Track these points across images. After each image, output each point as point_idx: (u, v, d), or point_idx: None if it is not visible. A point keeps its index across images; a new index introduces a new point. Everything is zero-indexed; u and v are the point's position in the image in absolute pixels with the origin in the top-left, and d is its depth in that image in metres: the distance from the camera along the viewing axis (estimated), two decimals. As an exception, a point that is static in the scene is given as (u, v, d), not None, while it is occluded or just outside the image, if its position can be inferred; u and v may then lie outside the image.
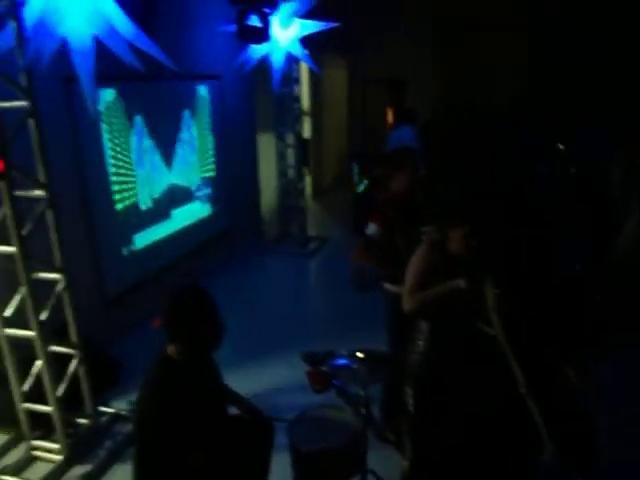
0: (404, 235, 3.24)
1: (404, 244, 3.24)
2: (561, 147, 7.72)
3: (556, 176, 7.22)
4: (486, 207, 2.67)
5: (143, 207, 5.23)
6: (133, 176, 5.03)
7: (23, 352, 3.25)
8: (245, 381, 3.38)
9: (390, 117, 12.75)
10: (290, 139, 7.23)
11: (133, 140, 5.01)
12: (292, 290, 6.28)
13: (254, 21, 5.48)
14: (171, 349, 2.16)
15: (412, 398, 2.57)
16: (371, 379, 2.45)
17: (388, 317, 3.36)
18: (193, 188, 6.10)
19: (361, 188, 5.39)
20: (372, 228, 3.33)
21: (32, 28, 2.82)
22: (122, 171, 4.88)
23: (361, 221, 3.64)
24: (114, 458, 3.38)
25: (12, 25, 2.75)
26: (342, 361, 2.55)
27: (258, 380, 4.05)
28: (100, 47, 3.01)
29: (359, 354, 2.51)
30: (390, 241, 3.29)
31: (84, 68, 2.97)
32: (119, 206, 4.88)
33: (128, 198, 4.99)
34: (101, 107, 4.54)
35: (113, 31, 2.98)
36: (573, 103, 9.58)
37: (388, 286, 3.41)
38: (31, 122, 2.89)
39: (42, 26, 2.85)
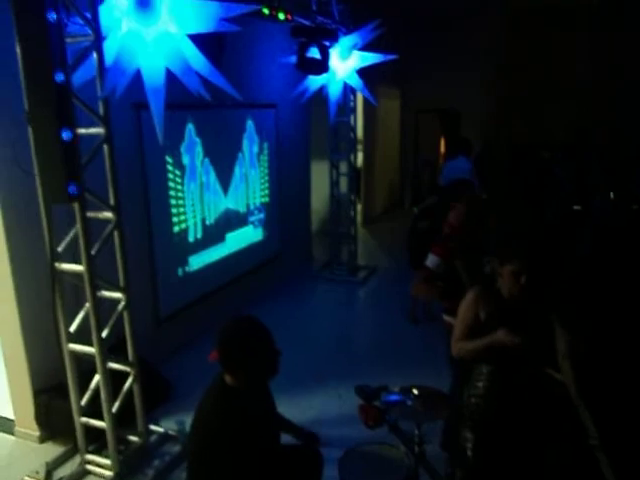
0: (465, 267, 3.21)
1: (466, 276, 3.21)
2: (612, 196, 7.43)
3: (612, 212, 6.96)
4: (537, 243, 2.62)
5: (200, 229, 5.37)
6: (191, 199, 5.20)
7: (82, 367, 3.37)
8: (294, 410, 3.37)
9: (443, 147, 12.72)
10: (344, 167, 7.30)
11: (193, 165, 5.19)
12: (343, 318, 6.25)
13: (314, 53, 5.64)
14: (228, 377, 2.17)
15: (471, 443, 2.48)
16: (426, 417, 2.39)
17: (448, 350, 3.30)
18: (247, 213, 6.23)
19: (418, 209, 5.35)
20: (433, 260, 3.33)
21: (111, 61, 2.99)
22: (181, 194, 5.05)
23: (418, 253, 3.61)
24: (162, 478, 3.42)
25: (94, 57, 2.93)
26: (396, 397, 2.51)
27: (307, 410, 4.02)
28: (168, 76, 3.18)
29: (414, 390, 2.46)
30: (451, 273, 3.27)
31: (155, 97, 3.13)
32: (177, 228, 5.04)
33: (186, 220, 5.15)
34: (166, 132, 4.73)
35: (185, 64, 3.13)
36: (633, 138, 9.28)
37: (448, 318, 3.35)
38: (105, 148, 3.05)
39: (120, 59, 3.03)
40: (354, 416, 2.62)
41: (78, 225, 2.93)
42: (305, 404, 4.12)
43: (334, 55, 5.93)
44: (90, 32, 2.86)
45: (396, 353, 5.05)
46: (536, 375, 2.32)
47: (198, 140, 5.22)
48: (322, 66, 5.71)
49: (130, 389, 3.47)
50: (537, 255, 2.48)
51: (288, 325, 5.46)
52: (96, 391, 3.30)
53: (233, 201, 5.91)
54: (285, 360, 2.23)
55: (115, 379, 3.38)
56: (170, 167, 4.87)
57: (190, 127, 5.09)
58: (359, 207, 9.26)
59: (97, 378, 3.26)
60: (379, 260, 8.06)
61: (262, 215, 6.53)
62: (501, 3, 10.64)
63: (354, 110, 7.20)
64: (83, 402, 3.36)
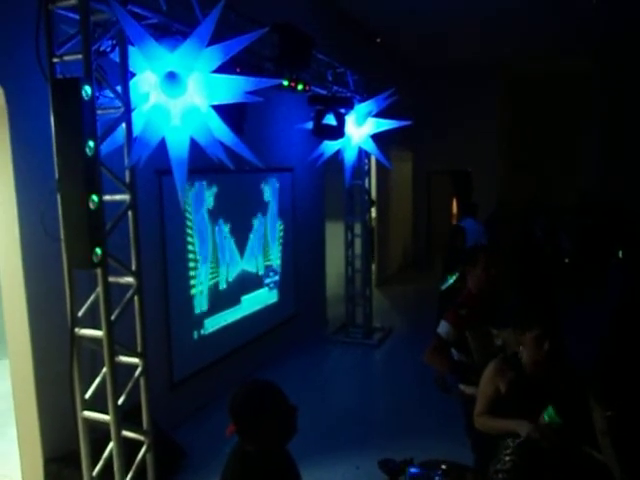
0: (475, 337, 3.14)
1: (476, 346, 3.14)
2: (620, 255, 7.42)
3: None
4: (555, 309, 2.58)
5: (216, 292, 5.37)
6: (209, 262, 5.23)
7: (94, 434, 3.28)
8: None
9: (455, 208, 12.83)
10: (358, 228, 7.35)
11: (211, 228, 5.26)
12: (359, 383, 6.10)
13: (330, 120, 5.81)
14: (247, 443, 2.11)
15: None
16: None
17: (466, 421, 3.18)
18: (262, 275, 6.24)
19: (448, 283, 5.23)
20: (444, 327, 3.26)
21: (139, 131, 3.11)
22: (199, 257, 5.09)
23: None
24: None
25: (122, 128, 3.04)
26: (422, 471, 2.40)
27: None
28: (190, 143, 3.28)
29: (442, 466, 2.36)
30: (461, 341, 3.20)
31: (179, 167, 3.22)
32: (194, 291, 5.04)
33: (202, 283, 5.16)
34: (186, 197, 4.84)
35: (209, 134, 3.23)
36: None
37: (463, 387, 3.27)
38: (130, 214, 3.11)
39: (147, 129, 3.14)
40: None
41: (100, 290, 2.94)
42: (321, 476, 3.95)
43: (350, 121, 6.11)
44: (120, 104, 2.99)
45: (415, 421, 4.88)
46: (570, 452, 2.22)
47: (216, 204, 5.32)
48: (338, 132, 5.87)
49: (143, 458, 3.36)
50: (556, 320, 2.44)
51: (302, 390, 5.33)
52: (108, 459, 3.20)
53: (249, 263, 5.94)
54: (299, 427, 2.16)
55: (128, 447, 3.28)
56: (189, 230, 4.94)
57: (209, 191, 5.20)
58: (373, 268, 9.25)
59: (110, 446, 3.17)
60: (394, 321, 7.96)
61: (277, 277, 6.54)
62: (502, 71, 11.05)
63: (368, 173, 7.34)
64: (95, 472, 3.25)
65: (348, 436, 4.61)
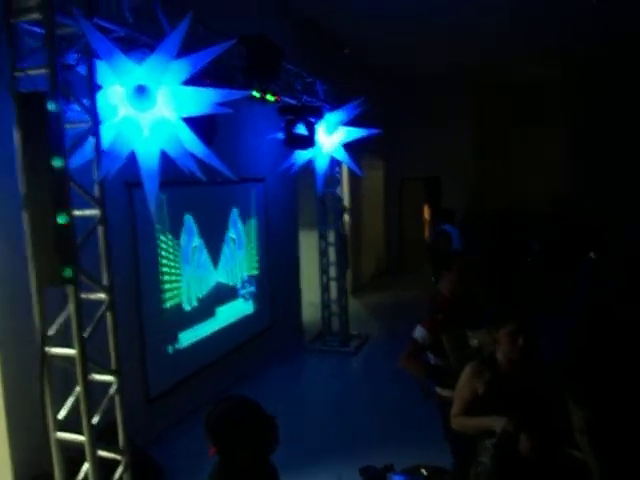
0: (450, 339, 3.19)
1: (450, 348, 3.19)
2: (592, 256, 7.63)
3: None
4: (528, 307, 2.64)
5: (190, 305, 5.31)
6: (181, 275, 5.17)
7: (67, 453, 3.20)
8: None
9: (427, 214, 12.98)
10: (331, 237, 7.38)
11: (183, 240, 5.21)
12: (337, 391, 6.09)
13: (301, 129, 5.84)
14: (228, 460, 2.09)
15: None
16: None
17: (443, 423, 3.21)
18: (237, 286, 6.20)
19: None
20: (420, 332, 3.29)
21: (108, 145, 3.07)
22: (172, 270, 5.03)
23: None
24: None
25: (91, 141, 3.00)
26: (403, 477, 2.41)
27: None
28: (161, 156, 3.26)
29: (423, 470, 2.37)
30: (436, 345, 3.24)
31: (150, 179, 3.19)
32: (167, 305, 4.98)
33: (176, 297, 5.10)
34: (158, 210, 4.78)
35: (180, 146, 3.22)
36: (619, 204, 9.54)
37: (439, 390, 3.31)
38: (100, 229, 3.06)
39: (116, 143, 3.11)
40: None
41: (71, 307, 2.88)
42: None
43: (320, 130, 6.15)
44: (88, 118, 2.95)
45: (394, 428, 4.89)
46: (548, 450, 2.26)
47: (188, 216, 5.27)
48: (309, 141, 5.90)
49: (120, 478, 3.28)
50: (529, 318, 2.50)
51: (281, 400, 5.29)
52: (85, 481, 3.12)
53: (223, 275, 5.90)
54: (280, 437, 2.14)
55: (104, 466, 3.20)
56: (161, 243, 4.88)
57: (180, 203, 5.15)
58: (348, 276, 9.28)
59: (85, 467, 3.10)
60: (371, 328, 7.99)
61: (252, 288, 6.50)
62: (470, 79, 11.28)
63: (340, 181, 7.38)
64: (70, 495, 3.16)
65: (328, 445, 4.60)
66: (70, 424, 3.09)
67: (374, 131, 6.23)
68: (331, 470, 4.12)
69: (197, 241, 5.44)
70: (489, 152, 12.04)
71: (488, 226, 10.33)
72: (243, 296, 6.30)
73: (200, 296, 5.48)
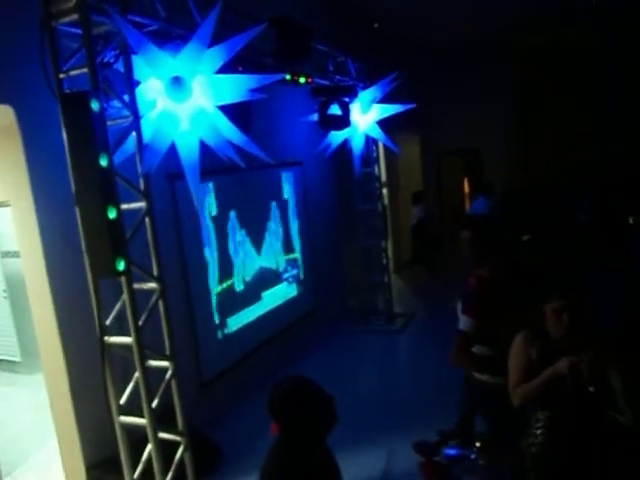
0: (499, 322, 2.96)
1: (502, 332, 2.99)
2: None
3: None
4: (575, 282, 2.57)
5: (237, 291, 5.42)
6: (227, 261, 5.28)
7: (131, 437, 3.36)
8: (350, 470, 3.26)
9: (467, 187, 12.73)
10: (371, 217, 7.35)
11: (227, 226, 5.31)
12: (385, 370, 6.12)
13: (335, 110, 5.81)
14: (289, 437, 2.15)
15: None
16: (493, 472, 2.30)
17: (482, 407, 3.06)
18: (281, 270, 6.28)
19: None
20: (466, 322, 3.00)
21: (149, 138, 3.15)
22: (216, 257, 5.13)
23: None
24: None
25: (133, 136, 3.08)
26: (458, 450, 2.42)
27: (362, 470, 3.86)
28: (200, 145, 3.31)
29: (477, 443, 2.38)
30: (485, 333, 3.02)
31: (191, 169, 3.26)
32: (214, 291, 5.10)
33: (222, 283, 5.21)
34: (202, 199, 4.87)
35: (218, 135, 3.26)
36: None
37: (477, 375, 3.17)
38: (147, 220, 3.15)
39: (157, 135, 3.18)
40: (413, 474, 2.53)
41: (126, 297, 3.00)
42: (359, 463, 3.98)
43: (355, 109, 6.10)
44: (129, 113, 3.03)
45: (446, 401, 4.88)
46: (597, 417, 2.22)
47: (229, 203, 5.36)
48: (343, 121, 5.87)
49: (181, 458, 3.43)
50: (577, 293, 2.43)
51: (330, 380, 5.28)
52: (148, 462, 3.27)
53: (266, 259, 5.98)
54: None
55: (165, 448, 3.35)
56: (204, 231, 4.98)
57: (221, 191, 5.23)
58: (390, 254, 9.24)
59: (149, 448, 3.25)
60: (415, 306, 7.96)
61: (295, 271, 6.57)
62: (509, 48, 10.89)
63: (377, 160, 7.32)
64: (136, 475, 3.33)
65: (381, 421, 4.63)
66: (132, 408, 3.24)
67: (409, 105, 6.13)
68: (385, 445, 4.16)
69: (240, 228, 5.52)
70: (531, 121, 11.65)
71: (532, 194, 10.10)
72: (287, 280, 6.38)
73: (246, 281, 5.58)
